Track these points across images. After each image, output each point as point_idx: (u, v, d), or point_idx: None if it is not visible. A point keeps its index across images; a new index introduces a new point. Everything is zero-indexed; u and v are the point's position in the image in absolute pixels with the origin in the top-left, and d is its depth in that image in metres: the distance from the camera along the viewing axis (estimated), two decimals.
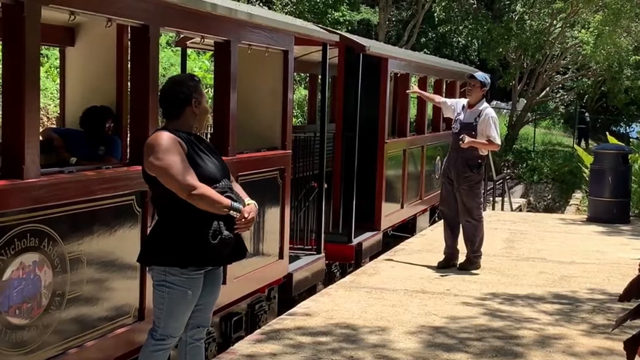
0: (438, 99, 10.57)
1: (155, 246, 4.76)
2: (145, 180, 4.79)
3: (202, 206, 4.57)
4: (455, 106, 9.78)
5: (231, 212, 4.62)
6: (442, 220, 14.60)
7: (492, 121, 9.35)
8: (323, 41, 9.24)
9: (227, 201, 4.62)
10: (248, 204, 4.79)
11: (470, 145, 9.23)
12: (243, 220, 4.66)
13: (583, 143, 37.15)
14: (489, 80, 9.60)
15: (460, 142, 9.18)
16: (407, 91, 10.00)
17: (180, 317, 4.78)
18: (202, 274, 4.76)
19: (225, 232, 4.63)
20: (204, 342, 6.30)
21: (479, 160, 9.49)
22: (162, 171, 4.57)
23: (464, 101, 9.70)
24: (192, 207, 4.58)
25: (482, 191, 10.08)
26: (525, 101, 34.77)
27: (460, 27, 34.09)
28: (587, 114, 39.36)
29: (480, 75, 9.56)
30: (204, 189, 4.57)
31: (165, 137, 4.63)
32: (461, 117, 9.49)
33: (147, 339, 4.86)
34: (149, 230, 5.40)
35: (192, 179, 4.55)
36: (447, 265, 9.68)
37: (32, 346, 4.72)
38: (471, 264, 9.72)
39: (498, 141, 9.41)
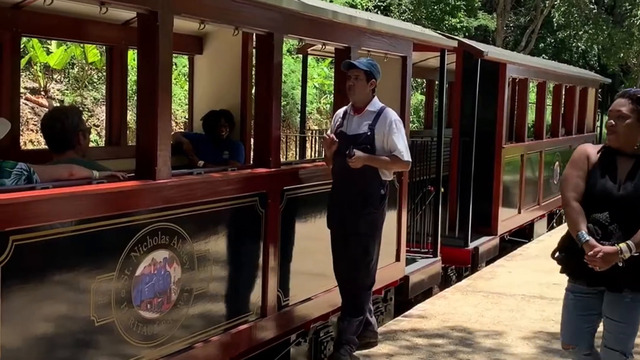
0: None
1: None
2: None
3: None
4: (334, 125, 6.46)
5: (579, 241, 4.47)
6: (559, 227, 14.47)
7: (398, 127, 6.22)
8: (441, 47, 9.29)
9: (578, 229, 4.46)
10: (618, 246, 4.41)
11: (365, 165, 6.06)
12: (590, 255, 4.40)
13: None
14: (379, 69, 6.33)
15: (348, 159, 6.00)
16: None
17: None
18: None
19: None
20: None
21: (382, 190, 6.27)
22: (560, 181, 4.79)
23: (343, 109, 6.48)
24: None
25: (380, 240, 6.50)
26: None
27: (580, 32, 33.41)
28: None
29: (363, 62, 6.27)
30: (569, 209, 4.54)
31: (577, 149, 4.73)
32: (345, 127, 6.28)
33: None
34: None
35: (570, 194, 4.56)
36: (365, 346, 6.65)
37: (162, 339, 4.96)
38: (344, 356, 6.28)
39: (407, 157, 6.26)
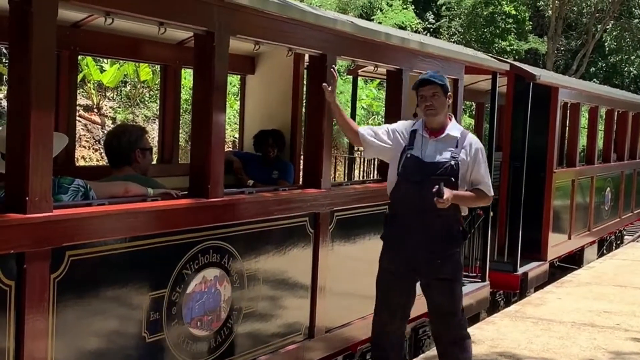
0: (353, 124, 5.66)
1: None
2: None
3: None
4: (396, 134, 5.54)
5: None
6: (601, 259, 14.04)
7: (483, 157, 5.45)
8: (493, 70, 9.26)
9: None
10: None
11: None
12: None
13: None
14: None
15: (436, 198, 5.09)
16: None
17: None
18: None
19: None
20: None
21: (461, 227, 5.52)
22: None
23: (409, 124, 5.61)
24: None
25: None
26: None
27: (632, 57, 33.09)
28: None
29: (436, 76, 5.40)
30: None
31: None
32: (418, 151, 5.38)
33: None
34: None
35: None
36: None
37: (210, 358, 4.97)
38: None
39: (492, 191, 5.51)
